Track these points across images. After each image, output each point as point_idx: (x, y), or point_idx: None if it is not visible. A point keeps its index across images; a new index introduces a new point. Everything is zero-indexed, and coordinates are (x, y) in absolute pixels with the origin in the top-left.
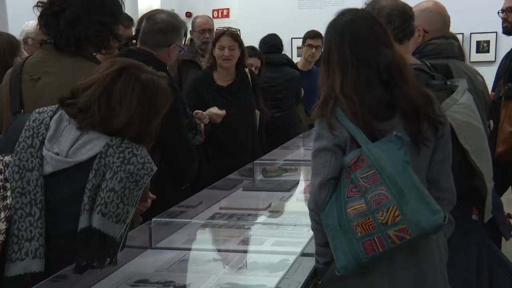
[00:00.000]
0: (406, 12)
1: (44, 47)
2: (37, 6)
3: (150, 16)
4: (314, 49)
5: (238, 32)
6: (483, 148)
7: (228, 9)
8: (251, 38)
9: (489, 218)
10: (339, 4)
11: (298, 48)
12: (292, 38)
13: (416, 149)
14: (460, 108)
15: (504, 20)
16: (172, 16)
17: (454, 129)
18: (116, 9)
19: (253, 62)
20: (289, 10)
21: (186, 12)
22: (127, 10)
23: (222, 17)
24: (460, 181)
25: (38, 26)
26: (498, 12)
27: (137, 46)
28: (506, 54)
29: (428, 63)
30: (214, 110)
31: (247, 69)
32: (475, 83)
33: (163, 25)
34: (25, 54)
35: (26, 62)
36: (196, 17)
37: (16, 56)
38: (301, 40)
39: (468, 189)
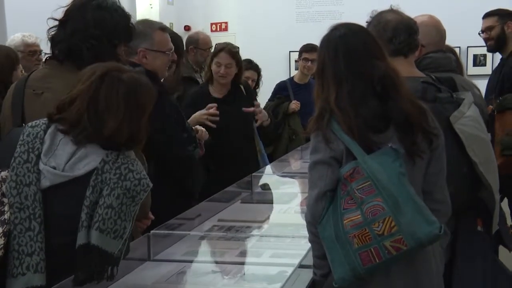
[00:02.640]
0: (411, 27)
1: (48, 63)
2: (52, 18)
3: None
4: (310, 62)
5: (237, 50)
6: (490, 160)
7: (226, 22)
8: (250, 52)
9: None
10: (337, 18)
11: (295, 61)
12: (290, 51)
13: (411, 161)
14: (467, 121)
15: (487, 39)
16: (140, 21)
17: (463, 141)
18: (115, 28)
19: (250, 75)
20: (287, 24)
21: (185, 26)
22: None
23: (220, 30)
24: (466, 194)
25: (23, 38)
26: (478, 33)
27: None
28: (494, 69)
29: (433, 76)
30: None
31: (242, 85)
32: (473, 96)
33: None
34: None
35: (31, 76)
36: (198, 34)
37: (15, 70)
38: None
39: (474, 201)
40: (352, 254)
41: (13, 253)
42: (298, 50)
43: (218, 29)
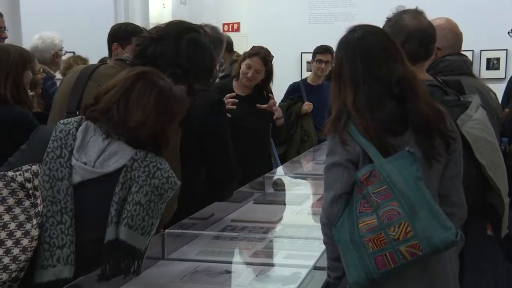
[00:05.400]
0: (426, 36)
1: (120, 64)
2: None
3: None
4: (323, 64)
5: (272, 59)
6: (498, 163)
7: (238, 23)
8: None
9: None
10: (349, 19)
11: (307, 62)
12: (302, 53)
13: (428, 164)
14: (474, 123)
15: None
16: (216, 30)
17: (471, 144)
18: (202, 66)
19: None
20: (299, 25)
21: None
22: (138, 21)
23: (232, 31)
24: (475, 197)
25: (59, 37)
26: (508, 33)
27: None
28: None
29: (440, 79)
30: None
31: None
32: (488, 100)
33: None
34: (44, 67)
35: (98, 70)
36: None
37: (27, 70)
38: (311, 54)
39: (483, 205)
40: (367, 258)
41: (44, 245)
42: (310, 51)
43: (230, 29)
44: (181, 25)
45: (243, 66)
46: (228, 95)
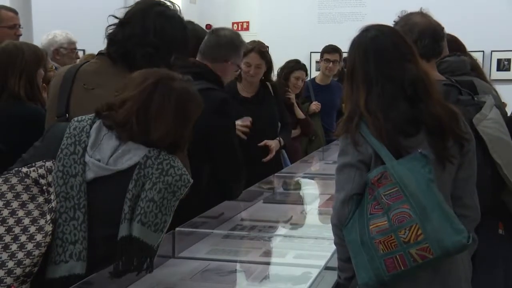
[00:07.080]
0: (437, 33)
1: (100, 58)
2: (112, 15)
3: (215, 30)
4: (331, 63)
5: (267, 49)
6: None
7: (248, 22)
8: (271, 52)
9: None
10: (359, 19)
11: (317, 62)
12: (311, 52)
13: (441, 166)
14: (490, 123)
15: None
16: (238, 34)
17: (487, 144)
18: (173, 39)
19: (300, 75)
20: (309, 24)
21: (206, 25)
22: None
23: (242, 30)
24: (490, 197)
25: (67, 36)
26: None
27: (196, 58)
28: None
29: (453, 80)
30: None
31: (269, 82)
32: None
33: (223, 40)
34: (55, 64)
35: (81, 69)
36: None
37: (39, 68)
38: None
39: (495, 204)
40: (377, 260)
41: (56, 240)
42: (319, 51)
43: (239, 29)
44: (147, 2)
45: (242, 66)
46: (245, 123)
